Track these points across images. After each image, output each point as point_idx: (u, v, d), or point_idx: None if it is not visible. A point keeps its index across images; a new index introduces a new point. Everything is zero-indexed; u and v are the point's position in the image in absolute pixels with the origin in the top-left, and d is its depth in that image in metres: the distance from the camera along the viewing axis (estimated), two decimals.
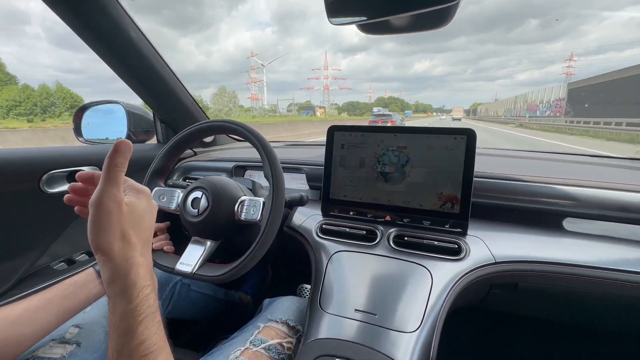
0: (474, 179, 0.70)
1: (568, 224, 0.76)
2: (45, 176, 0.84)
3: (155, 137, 1.26)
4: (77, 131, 1.20)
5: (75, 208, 0.53)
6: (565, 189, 0.74)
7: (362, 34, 0.64)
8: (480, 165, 0.80)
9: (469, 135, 0.70)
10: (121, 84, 1.01)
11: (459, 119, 63.01)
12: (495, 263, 0.66)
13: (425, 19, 0.58)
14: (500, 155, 1.13)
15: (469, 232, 0.72)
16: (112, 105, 1.21)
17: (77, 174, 0.50)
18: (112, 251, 0.38)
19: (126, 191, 0.44)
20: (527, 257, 0.66)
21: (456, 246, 0.69)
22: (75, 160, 0.92)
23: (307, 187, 1.00)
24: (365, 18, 0.57)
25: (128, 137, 1.17)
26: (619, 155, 1.09)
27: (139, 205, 0.43)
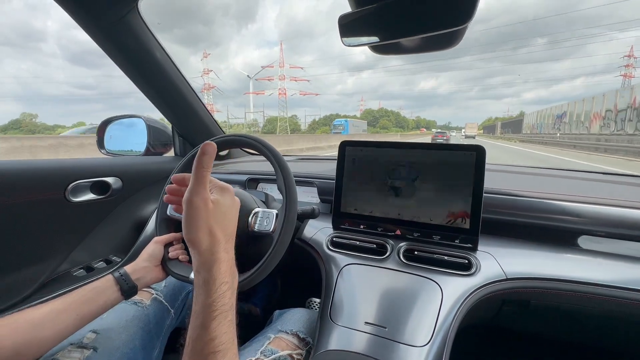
0: (485, 194, 0.71)
1: (583, 241, 0.75)
2: (70, 186, 0.88)
3: (172, 150, 1.31)
4: (100, 143, 1.26)
5: (174, 206, 0.60)
6: (581, 206, 0.73)
7: (369, 52, 0.67)
8: (492, 181, 0.80)
9: (479, 151, 0.71)
10: (132, 100, 1.08)
11: (473, 137, 55.78)
12: (507, 279, 0.65)
13: (435, 40, 0.60)
14: (512, 171, 1.12)
15: (479, 247, 0.72)
16: (133, 119, 1.27)
17: (172, 176, 0.57)
18: (200, 244, 0.43)
19: (212, 190, 0.49)
20: (539, 274, 0.66)
21: (466, 261, 0.69)
22: (98, 171, 0.97)
23: (319, 200, 1.02)
24: (377, 40, 0.60)
25: (147, 149, 1.22)
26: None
27: (223, 202, 0.48)
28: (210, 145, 0.45)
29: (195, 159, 0.45)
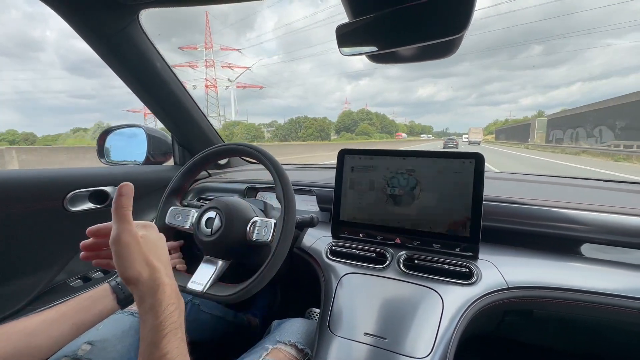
0: (485, 202, 0.70)
1: (586, 250, 0.74)
2: (69, 195, 0.88)
3: (172, 159, 1.31)
4: (100, 153, 1.26)
5: (93, 262, 0.59)
6: (583, 214, 0.72)
7: (367, 60, 0.68)
8: (492, 189, 0.80)
9: (477, 159, 0.71)
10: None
11: (477, 143, 52.28)
12: (509, 289, 0.64)
13: (432, 49, 0.61)
14: (512, 179, 1.12)
15: (480, 256, 0.71)
16: (134, 129, 1.28)
17: (87, 230, 0.57)
18: (140, 276, 0.43)
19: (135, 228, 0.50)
20: (542, 283, 0.65)
21: (467, 270, 0.68)
22: (96, 180, 0.97)
23: (318, 209, 1.02)
24: (375, 49, 0.61)
25: (147, 158, 1.22)
26: None
27: (150, 235, 0.49)
28: (127, 186, 0.45)
29: (113, 201, 0.44)
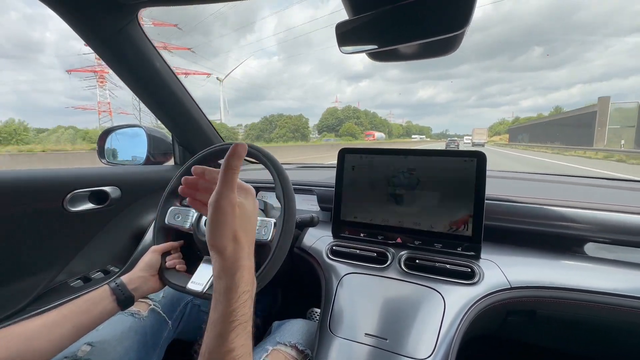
0: (487, 201, 0.70)
1: (589, 249, 0.73)
2: (69, 195, 0.88)
3: (172, 159, 1.31)
4: (100, 153, 1.26)
5: (188, 200, 0.55)
6: (586, 213, 0.71)
7: (367, 61, 0.67)
8: (494, 188, 0.79)
9: (479, 158, 0.70)
10: (129, 109, 1.04)
11: (482, 145, 44.21)
12: (511, 288, 0.64)
13: (433, 46, 0.60)
14: (514, 178, 1.11)
15: (482, 255, 0.70)
16: (135, 129, 1.28)
17: (193, 168, 0.53)
18: (225, 250, 0.41)
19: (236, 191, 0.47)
20: (545, 283, 0.64)
21: (469, 270, 0.67)
22: (96, 180, 0.96)
23: (318, 209, 1.01)
24: (376, 47, 0.60)
25: (147, 158, 1.22)
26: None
27: (247, 206, 0.46)
28: (242, 146, 0.44)
29: (225, 159, 0.43)
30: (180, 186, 0.55)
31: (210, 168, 0.49)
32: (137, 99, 1.03)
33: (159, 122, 1.17)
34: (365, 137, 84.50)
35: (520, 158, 18.52)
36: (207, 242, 0.42)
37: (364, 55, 0.65)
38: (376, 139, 78.25)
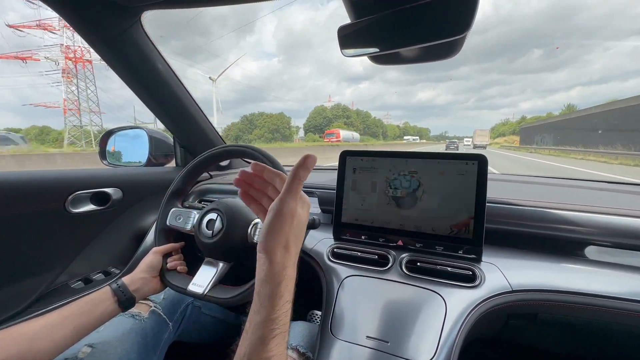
0: (488, 204, 0.70)
1: (591, 252, 0.73)
2: (71, 196, 0.88)
3: (174, 161, 1.31)
4: (102, 154, 1.27)
5: (240, 193, 0.53)
6: (587, 216, 0.71)
7: (367, 63, 0.68)
8: (495, 191, 0.79)
9: (481, 161, 0.71)
10: (129, 112, 1.05)
11: (484, 147, 44.38)
12: (512, 291, 0.64)
13: (435, 50, 0.61)
14: (515, 181, 1.11)
15: (483, 258, 0.70)
16: (136, 131, 1.28)
17: (253, 164, 0.52)
18: (275, 257, 0.41)
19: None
20: (546, 286, 0.64)
21: (471, 273, 0.67)
22: (98, 181, 0.97)
23: (319, 211, 1.01)
24: (377, 50, 0.61)
25: (149, 160, 1.22)
26: None
27: (302, 217, 0.46)
28: (312, 159, 0.44)
29: (293, 169, 0.43)
30: (236, 178, 0.52)
31: (271, 168, 0.49)
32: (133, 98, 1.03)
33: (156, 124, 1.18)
34: (325, 138, 61.08)
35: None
36: (258, 245, 0.43)
37: (364, 57, 0.65)
38: (342, 140, 56.03)
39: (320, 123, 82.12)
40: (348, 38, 0.61)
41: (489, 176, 0.70)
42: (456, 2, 0.49)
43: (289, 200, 0.42)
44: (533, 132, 49.05)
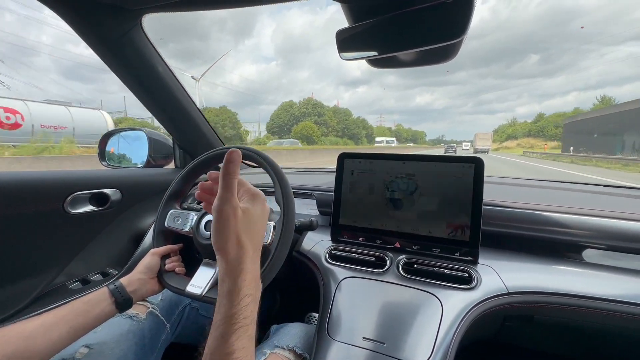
0: (484, 206, 0.70)
1: (588, 255, 0.73)
2: (69, 197, 0.88)
3: (173, 162, 1.31)
4: (101, 156, 1.27)
5: (202, 204, 0.58)
6: (584, 219, 0.72)
7: (365, 68, 0.69)
8: (492, 194, 0.79)
9: (477, 163, 0.71)
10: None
11: (486, 152, 41.33)
12: (508, 293, 0.64)
13: (432, 54, 0.61)
14: (512, 184, 1.12)
15: (480, 261, 0.71)
16: (135, 132, 1.28)
17: (208, 174, 0.55)
18: (228, 255, 0.43)
19: (243, 196, 0.48)
20: (542, 288, 0.64)
21: (467, 275, 0.68)
22: (97, 182, 0.97)
23: (317, 213, 1.02)
24: (375, 53, 0.61)
25: (148, 161, 1.23)
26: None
27: (253, 211, 0.47)
28: (236, 153, 0.45)
29: (222, 167, 0.44)
30: (197, 191, 0.56)
31: (217, 173, 0.51)
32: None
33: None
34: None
35: None
36: (212, 244, 0.44)
37: (362, 61, 0.66)
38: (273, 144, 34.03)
39: (287, 122, 65.56)
40: (346, 42, 0.61)
41: (485, 179, 0.71)
42: (452, 7, 0.50)
43: (226, 197, 0.43)
44: (585, 130, 28.94)
